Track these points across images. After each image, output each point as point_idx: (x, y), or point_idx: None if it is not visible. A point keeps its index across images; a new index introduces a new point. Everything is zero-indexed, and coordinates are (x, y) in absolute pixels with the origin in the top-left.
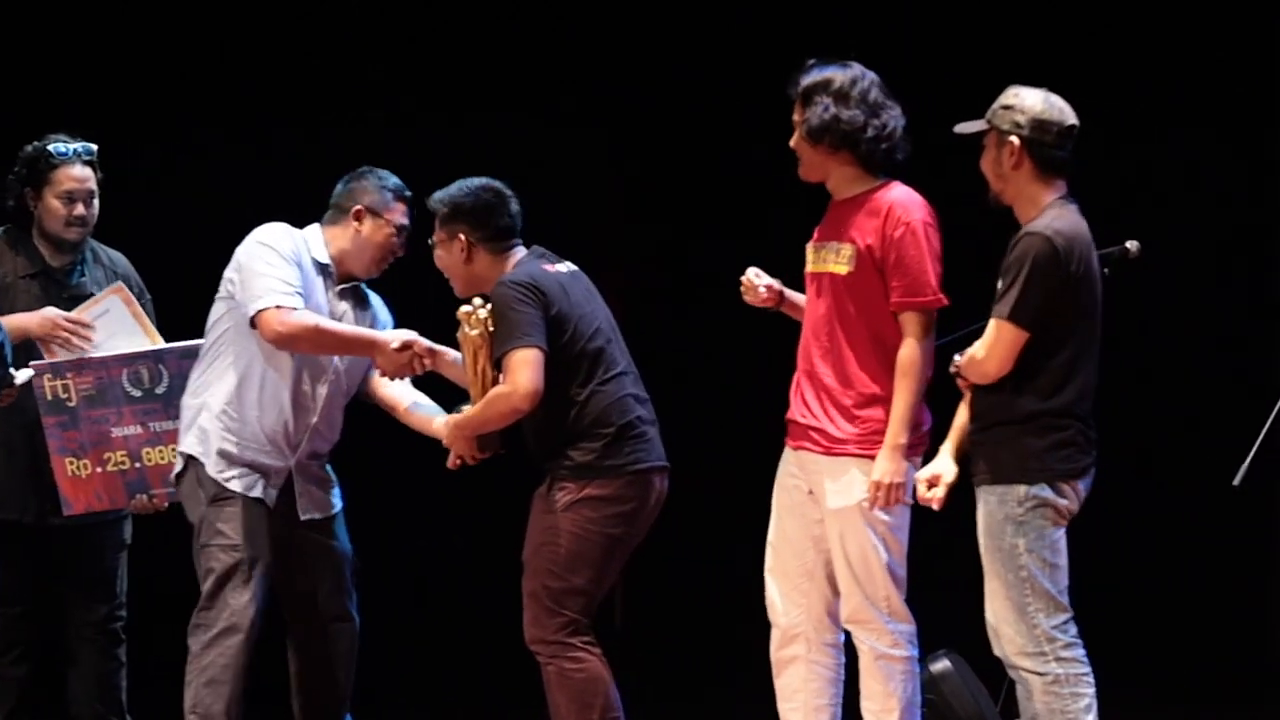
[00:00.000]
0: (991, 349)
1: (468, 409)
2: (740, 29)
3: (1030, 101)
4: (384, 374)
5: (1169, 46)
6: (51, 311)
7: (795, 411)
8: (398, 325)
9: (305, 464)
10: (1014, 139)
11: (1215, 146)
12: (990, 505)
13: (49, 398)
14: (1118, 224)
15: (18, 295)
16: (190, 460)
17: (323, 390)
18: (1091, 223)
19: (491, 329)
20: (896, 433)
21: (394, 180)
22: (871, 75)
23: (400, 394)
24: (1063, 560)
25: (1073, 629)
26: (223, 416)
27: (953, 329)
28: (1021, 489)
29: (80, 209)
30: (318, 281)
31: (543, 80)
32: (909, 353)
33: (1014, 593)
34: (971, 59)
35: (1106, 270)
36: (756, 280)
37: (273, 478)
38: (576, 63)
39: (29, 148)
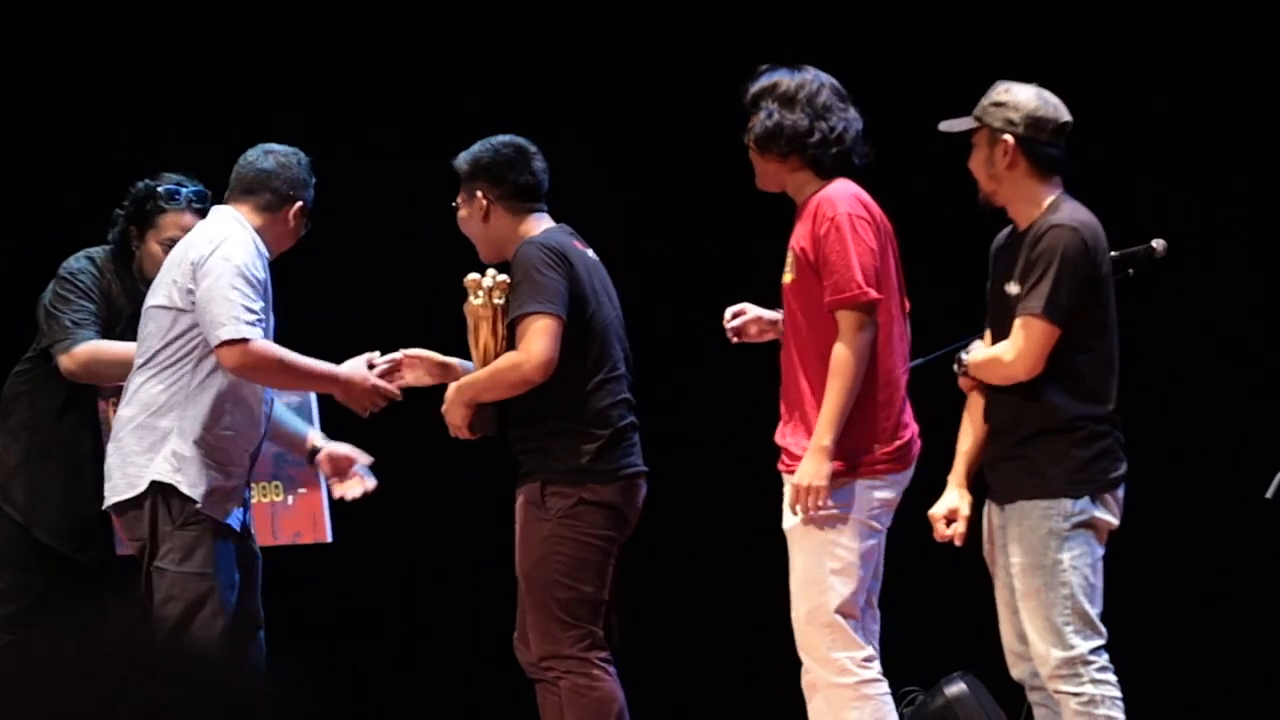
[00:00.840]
0: (1022, 348)
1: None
2: (737, 38)
3: (1024, 98)
4: (360, 410)
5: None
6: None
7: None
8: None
9: (250, 480)
10: (1008, 137)
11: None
12: (1032, 520)
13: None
14: (1134, 222)
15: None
16: (157, 488)
17: (269, 398)
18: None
19: (498, 301)
20: (821, 433)
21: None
22: (824, 79)
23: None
24: (1100, 582)
25: (1106, 655)
26: (202, 444)
27: (938, 344)
28: (1068, 503)
29: None
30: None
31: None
32: (838, 352)
33: (1054, 612)
34: (965, 55)
35: (1131, 271)
36: (730, 322)
37: (239, 499)
38: (574, 75)
39: (140, 184)
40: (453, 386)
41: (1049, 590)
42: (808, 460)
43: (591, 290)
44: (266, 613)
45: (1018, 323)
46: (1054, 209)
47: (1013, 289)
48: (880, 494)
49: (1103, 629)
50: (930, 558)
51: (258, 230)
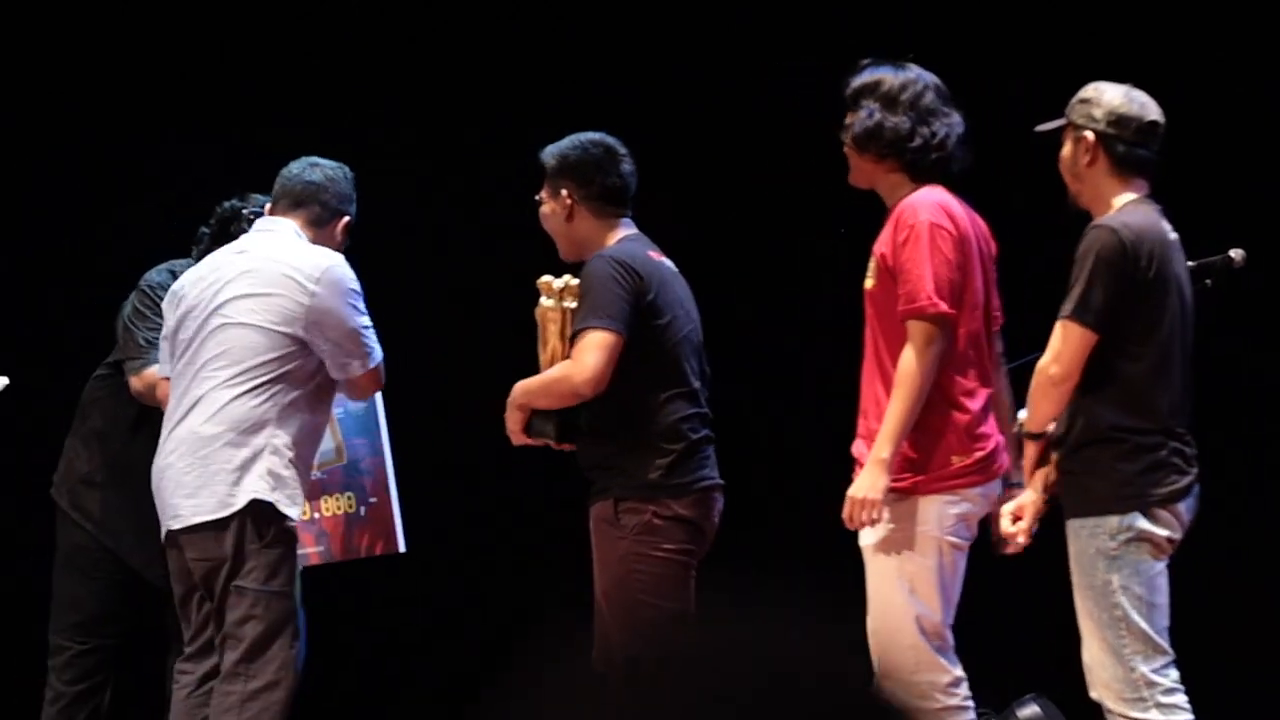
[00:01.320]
0: (1055, 352)
1: None
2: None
3: (1109, 96)
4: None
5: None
6: None
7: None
8: None
9: None
10: (1088, 134)
11: None
12: (1081, 539)
13: None
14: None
15: None
16: (256, 505)
17: None
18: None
19: (569, 304)
20: (880, 445)
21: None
22: (928, 79)
23: None
24: (1162, 598)
25: (1174, 673)
26: (293, 464)
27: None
28: (1114, 520)
29: None
30: None
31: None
32: (903, 363)
33: (1108, 634)
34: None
35: (1209, 281)
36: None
37: None
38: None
39: (227, 204)
40: (514, 388)
41: (1101, 612)
42: (864, 473)
43: (665, 302)
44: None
45: (1055, 327)
46: (1117, 209)
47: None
48: (956, 509)
49: (1166, 647)
50: (1005, 572)
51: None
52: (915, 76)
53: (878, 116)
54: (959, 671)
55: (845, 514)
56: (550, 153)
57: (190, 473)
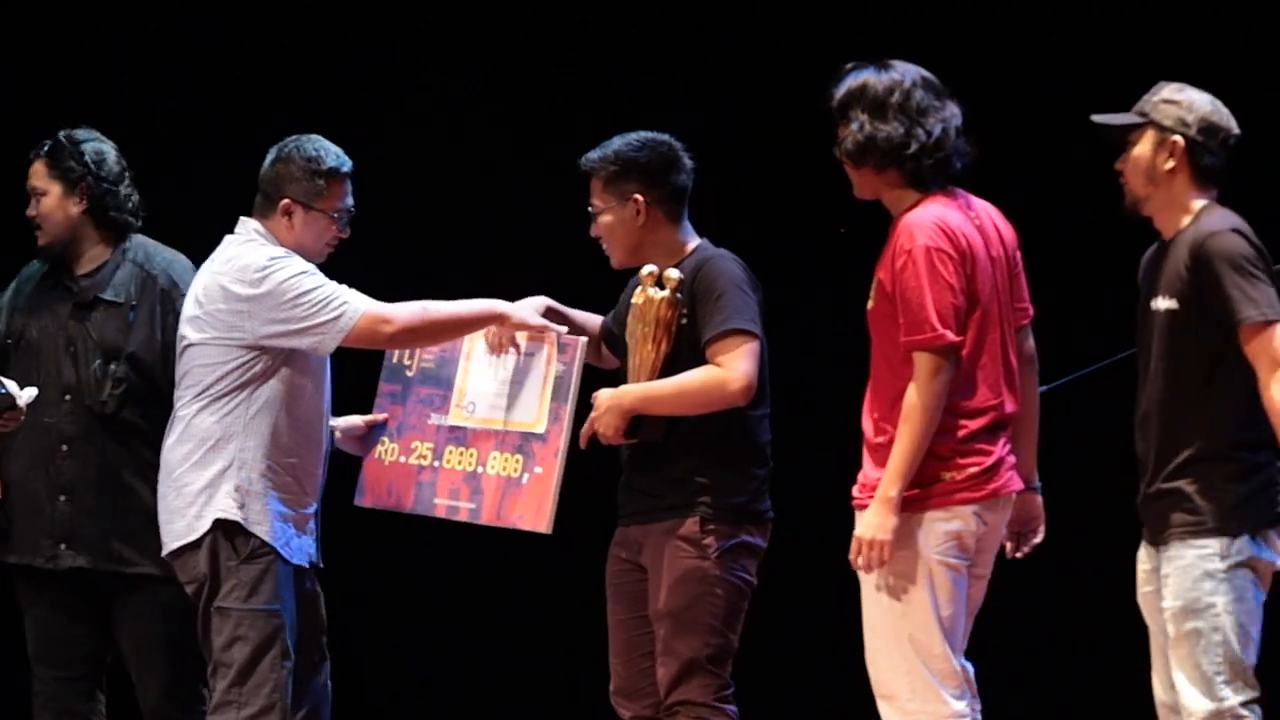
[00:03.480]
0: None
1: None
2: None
3: (1199, 102)
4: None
5: None
6: None
7: None
8: None
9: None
10: (1177, 138)
11: None
12: (1186, 560)
13: (393, 360)
14: None
15: None
16: (220, 525)
17: (328, 416)
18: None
19: (680, 298)
20: (887, 484)
21: (327, 155)
22: (914, 75)
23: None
24: (1257, 632)
25: (1259, 713)
26: (269, 473)
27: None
28: (1225, 541)
29: (30, 209)
30: None
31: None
32: (910, 397)
33: (1205, 660)
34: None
35: None
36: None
37: (312, 528)
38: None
39: None
40: (611, 394)
41: (1201, 637)
42: (871, 512)
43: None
44: None
45: (1249, 339)
46: (1208, 215)
47: (1160, 304)
48: (948, 526)
49: (1255, 682)
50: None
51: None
52: (900, 76)
53: (869, 128)
54: (959, 705)
55: (852, 555)
56: (605, 159)
57: (166, 498)
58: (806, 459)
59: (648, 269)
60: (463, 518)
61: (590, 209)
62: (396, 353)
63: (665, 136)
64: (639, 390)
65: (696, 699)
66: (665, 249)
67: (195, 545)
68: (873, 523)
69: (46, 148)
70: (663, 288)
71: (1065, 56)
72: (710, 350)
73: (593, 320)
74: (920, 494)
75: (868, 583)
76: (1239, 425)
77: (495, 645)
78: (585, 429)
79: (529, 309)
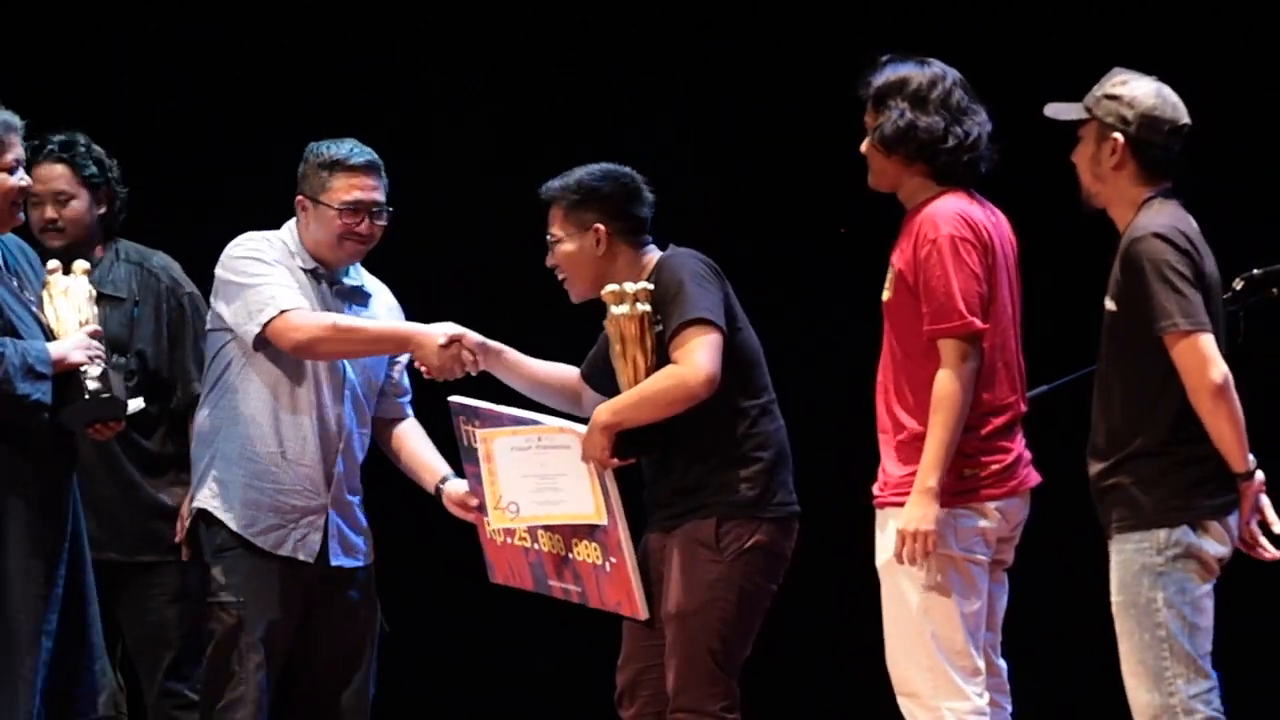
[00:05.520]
0: (1198, 366)
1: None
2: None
3: (1141, 93)
4: (428, 373)
5: None
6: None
7: None
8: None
9: (342, 501)
10: (1118, 136)
11: None
12: (1125, 555)
13: (465, 444)
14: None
15: None
16: (202, 515)
17: (344, 410)
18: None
19: (644, 308)
20: (925, 475)
21: (336, 149)
22: (954, 75)
23: (416, 443)
24: (1206, 621)
25: (1216, 701)
26: (244, 462)
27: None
28: (1162, 534)
29: (49, 212)
30: (310, 288)
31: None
32: (940, 385)
33: (1149, 655)
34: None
35: (1277, 290)
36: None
37: (311, 522)
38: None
39: None
40: (596, 413)
41: (1144, 631)
42: (912, 504)
43: (738, 306)
44: None
45: (1172, 347)
46: (1142, 213)
47: (1107, 303)
48: (971, 523)
49: (1209, 671)
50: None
51: None
52: (941, 73)
53: (909, 116)
54: (981, 702)
55: (896, 550)
56: (565, 188)
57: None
58: (809, 459)
59: (608, 288)
60: (575, 600)
61: (549, 237)
62: (464, 435)
63: (626, 169)
64: (608, 407)
65: (705, 708)
66: (626, 275)
67: (191, 536)
68: (915, 514)
69: (63, 151)
70: (625, 305)
71: (1066, 56)
72: (671, 348)
73: (527, 363)
74: (944, 490)
75: (889, 580)
76: (1178, 420)
77: (498, 646)
78: (582, 454)
79: (439, 333)
